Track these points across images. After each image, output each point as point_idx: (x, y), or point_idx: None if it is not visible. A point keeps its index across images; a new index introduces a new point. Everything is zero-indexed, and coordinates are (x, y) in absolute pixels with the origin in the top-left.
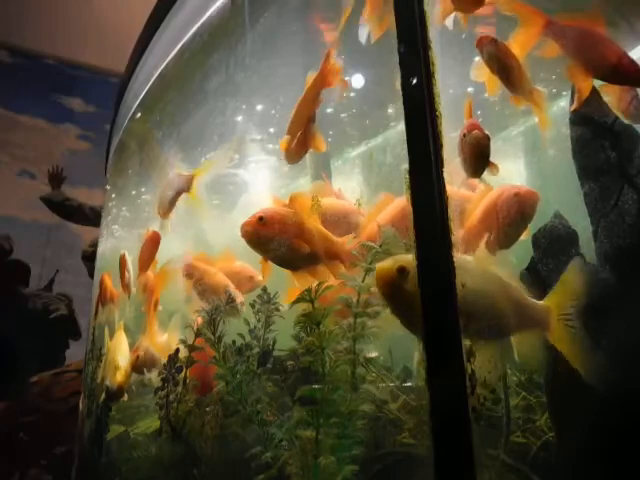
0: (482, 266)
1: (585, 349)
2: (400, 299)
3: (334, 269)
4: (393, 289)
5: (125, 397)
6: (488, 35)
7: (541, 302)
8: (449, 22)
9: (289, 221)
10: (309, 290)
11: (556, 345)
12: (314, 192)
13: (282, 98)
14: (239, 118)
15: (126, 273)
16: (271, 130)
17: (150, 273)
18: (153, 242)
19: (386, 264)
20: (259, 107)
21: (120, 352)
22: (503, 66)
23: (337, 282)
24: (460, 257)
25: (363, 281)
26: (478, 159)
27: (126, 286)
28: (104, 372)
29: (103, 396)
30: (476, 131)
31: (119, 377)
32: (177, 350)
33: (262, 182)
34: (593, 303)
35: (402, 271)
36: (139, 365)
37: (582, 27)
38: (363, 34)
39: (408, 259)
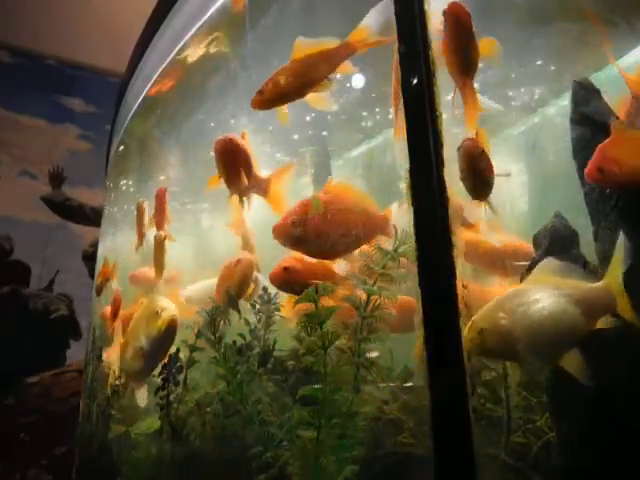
0: (535, 291)
1: None
2: (499, 355)
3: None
4: (486, 351)
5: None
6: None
7: (598, 284)
8: None
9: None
10: (312, 290)
11: (625, 315)
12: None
13: None
14: (239, 118)
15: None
16: (270, 129)
17: None
18: (162, 198)
19: (467, 331)
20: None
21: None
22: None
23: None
24: (509, 296)
25: (374, 285)
26: (476, 170)
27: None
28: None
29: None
30: (468, 141)
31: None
32: (177, 350)
33: None
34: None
35: (481, 333)
36: None
37: None
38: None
39: (484, 315)
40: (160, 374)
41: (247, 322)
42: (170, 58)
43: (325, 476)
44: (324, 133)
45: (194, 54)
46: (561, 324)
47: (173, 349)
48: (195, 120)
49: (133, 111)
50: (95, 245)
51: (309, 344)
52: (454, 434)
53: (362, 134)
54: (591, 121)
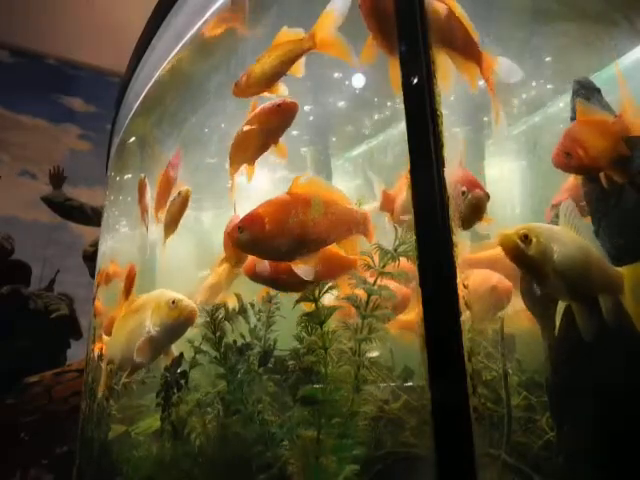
0: (570, 234)
1: None
2: (525, 265)
3: None
4: (517, 256)
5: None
6: None
7: (617, 268)
8: None
9: None
10: (313, 290)
11: (628, 309)
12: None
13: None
14: (239, 117)
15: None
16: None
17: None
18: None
19: (509, 231)
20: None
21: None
22: None
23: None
24: (551, 227)
25: (374, 284)
26: (477, 216)
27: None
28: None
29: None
30: (477, 190)
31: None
32: (181, 354)
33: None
34: None
35: (525, 238)
36: None
37: None
38: None
39: (532, 227)
40: (162, 377)
41: (247, 321)
42: (170, 58)
43: (325, 476)
44: (324, 133)
45: (194, 53)
46: (587, 270)
47: (176, 352)
48: (195, 120)
49: (133, 111)
50: (95, 245)
51: (310, 343)
52: (455, 434)
53: (362, 134)
54: None
